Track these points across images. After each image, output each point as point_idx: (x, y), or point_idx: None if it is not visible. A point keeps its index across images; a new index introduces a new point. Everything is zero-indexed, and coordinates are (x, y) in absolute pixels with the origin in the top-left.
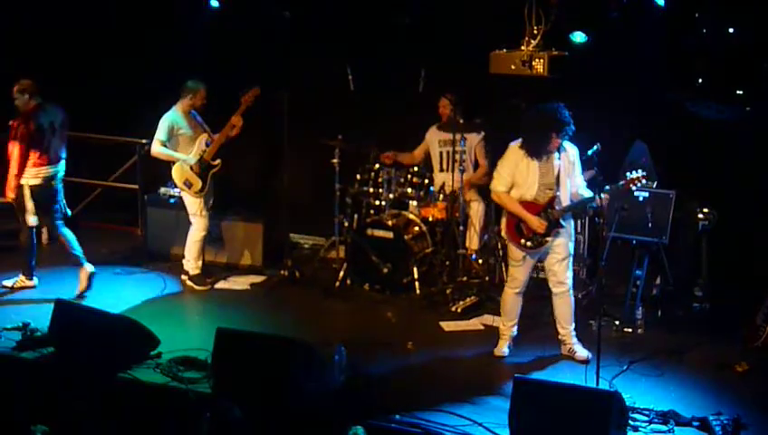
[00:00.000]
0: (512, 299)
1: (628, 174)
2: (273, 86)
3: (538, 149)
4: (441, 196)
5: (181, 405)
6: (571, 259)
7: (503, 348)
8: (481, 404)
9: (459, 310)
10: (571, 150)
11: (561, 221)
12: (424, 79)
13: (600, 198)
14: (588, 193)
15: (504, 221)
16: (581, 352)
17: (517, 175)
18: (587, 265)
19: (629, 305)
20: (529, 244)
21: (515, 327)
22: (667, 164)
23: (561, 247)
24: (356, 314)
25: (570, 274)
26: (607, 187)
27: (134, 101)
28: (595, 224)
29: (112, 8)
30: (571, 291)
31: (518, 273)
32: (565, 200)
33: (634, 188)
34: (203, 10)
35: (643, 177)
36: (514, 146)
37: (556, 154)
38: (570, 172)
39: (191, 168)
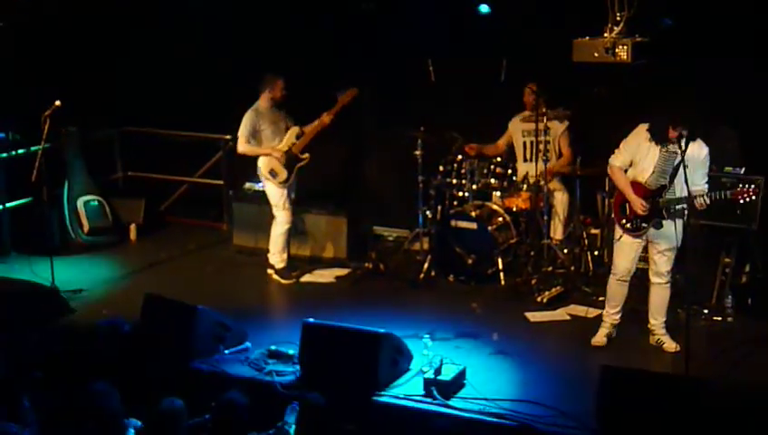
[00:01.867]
0: (613, 285)
1: (740, 185)
2: (356, 79)
3: (656, 135)
4: (525, 186)
5: (269, 397)
6: (674, 252)
7: (601, 337)
8: (567, 394)
9: (545, 300)
10: (702, 150)
11: (665, 212)
12: (505, 68)
13: (704, 200)
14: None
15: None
16: (670, 344)
17: (637, 155)
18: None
19: (718, 294)
20: (628, 225)
21: (619, 315)
22: (755, 149)
23: (664, 239)
24: (441, 305)
25: (670, 267)
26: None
27: (219, 98)
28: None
29: (195, 6)
30: (669, 284)
31: (618, 257)
32: (679, 193)
33: (741, 200)
34: (285, 6)
35: (752, 189)
36: (642, 126)
37: (682, 146)
38: (691, 168)
39: (278, 160)
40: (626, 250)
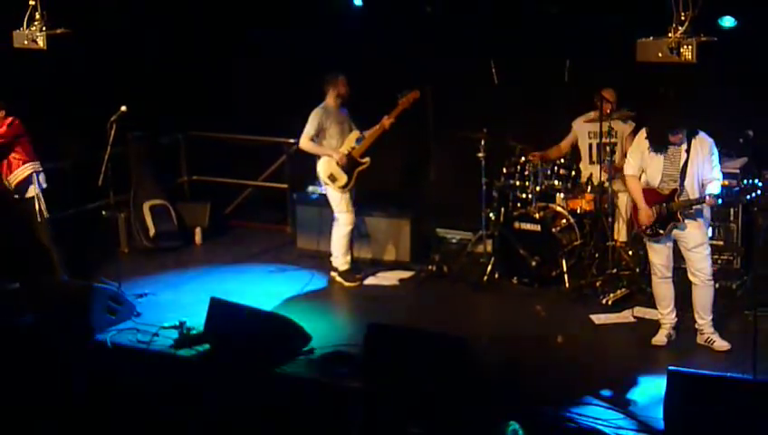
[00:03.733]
0: (656, 286)
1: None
2: (418, 81)
3: (655, 142)
4: (588, 187)
5: (333, 399)
6: (706, 248)
7: (661, 337)
8: (634, 396)
9: (610, 302)
10: (705, 142)
11: (680, 215)
12: (568, 69)
13: (714, 199)
14: (715, 190)
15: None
16: (720, 342)
17: (644, 162)
18: (741, 254)
19: None
20: (648, 232)
21: (673, 314)
22: None
23: (688, 238)
24: (505, 308)
25: (706, 264)
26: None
27: (282, 102)
28: (749, 210)
29: (257, 10)
30: (710, 281)
31: (652, 256)
32: (692, 193)
33: (748, 196)
34: (348, 9)
35: (754, 184)
36: (643, 132)
37: (684, 145)
38: (699, 165)
39: (337, 162)
40: (657, 250)
